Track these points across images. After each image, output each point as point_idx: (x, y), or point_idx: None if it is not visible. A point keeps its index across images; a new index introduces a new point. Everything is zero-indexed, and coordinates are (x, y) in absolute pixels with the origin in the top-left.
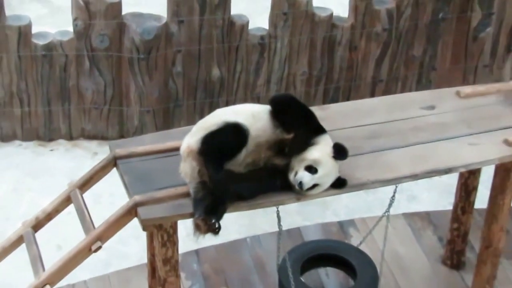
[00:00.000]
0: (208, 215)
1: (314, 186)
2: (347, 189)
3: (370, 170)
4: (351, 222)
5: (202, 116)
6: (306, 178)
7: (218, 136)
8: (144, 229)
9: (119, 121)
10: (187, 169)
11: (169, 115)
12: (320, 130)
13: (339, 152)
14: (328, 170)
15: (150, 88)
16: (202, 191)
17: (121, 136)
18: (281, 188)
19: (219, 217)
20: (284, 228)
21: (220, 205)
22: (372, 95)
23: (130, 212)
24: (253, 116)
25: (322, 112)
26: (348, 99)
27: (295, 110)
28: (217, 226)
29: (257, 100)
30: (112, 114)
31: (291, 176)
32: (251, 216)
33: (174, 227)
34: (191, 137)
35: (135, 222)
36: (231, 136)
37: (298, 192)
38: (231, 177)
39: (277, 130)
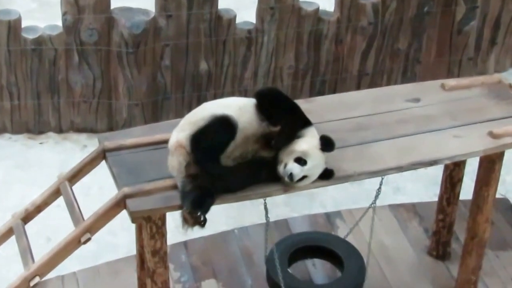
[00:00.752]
0: (194, 209)
1: (303, 177)
2: (334, 180)
3: (356, 162)
4: (338, 214)
5: (190, 109)
6: (296, 169)
7: (208, 131)
8: (133, 221)
9: (108, 114)
10: (175, 164)
11: (158, 108)
12: (306, 123)
13: (326, 144)
14: (317, 161)
15: (138, 81)
16: (189, 185)
17: (110, 129)
18: (267, 179)
19: (205, 210)
20: (272, 219)
21: (207, 198)
22: (358, 88)
23: (119, 204)
24: (240, 109)
25: (308, 105)
26: (334, 92)
27: (280, 103)
28: (202, 219)
29: (245, 93)
30: (101, 107)
31: (280, 168)
32: (239, 208)
33: (163, 219)
34: (179, 132)
35: (124, 214)
36: (221, 130)
37: (288, 183)
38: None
39: (263, 123)
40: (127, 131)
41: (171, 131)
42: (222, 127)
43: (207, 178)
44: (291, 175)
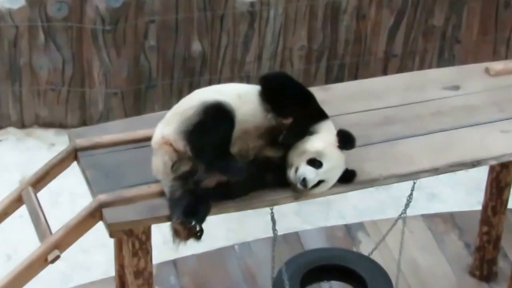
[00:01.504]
0: (188, 217)
1: (319, 182)
2: (355, 185)
3: (382, 163)
4: (360, 226)
5: (180, 99)
6: (310, 173)
7: (204, 124)
8: (111, 236)
9: (81, 105)
10: (159, 164)
11: (141, 98)
12: (321, 116)
13: (345, 141)
14: (334, 162)
15: (117, 65)
16: (179, 190)
17: (83, 123)
18: (274, 184)
19: (200, 219)
20: (280, 233)
21: (202, 205)
22: (385, 73)
23: (93, 215)
24: (239, 97)
25: (324, 94)
26: (355, 78)
27: (289, 91)
28: (198, 229)
29: (246, 79)
30: (72, 97)
31: (291, 173)
32: (240, 219)
33: (147, 233)
34: (165, 126)
35: (100, 227)
36: (218, 117)
37: (301, 191)
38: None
39: (269, 115)
40: (103, 126)
41: (156, 125)
42: (217, 114)
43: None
44: (304, 181)
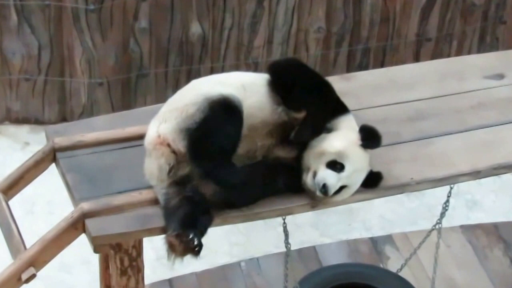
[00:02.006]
0: (185, 230)
1: (341, 188)
2: (382, 191)
3: (414, 165)
4: (388, 239)
5: (176, 90)
6: (331, 178)
7: (208, 127)
8: (95, 251)
9: (60, 97)
10: (154, 168)
11: (131, 89)
12: (341, 109)
13: (369, 138)
14: (358, 164)
15: (103, 51)
16: (175, 198)
17: (63, 119)
18: (287, 190)
19: (200, 231)
20: (294, 247)
21: (202, 215)
22: (417, 59)
23: (75, 226)
24: (244, 88)
25: (344, 84)
26: (382, 66)
27: (303, 80)
28: (196, 243)
29: (255, 67)
30: (50, 88)
31: (308, 178)
32: (247, 231)
33: (139, 248)
34: (161, 123)
35: (83, 240)
36: (225, 118)
37: (320, 198)
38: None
39: (279, 108)
40: (87, 122)
41: (149, 121)
42: (225, 112)
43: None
44: (325, 187)
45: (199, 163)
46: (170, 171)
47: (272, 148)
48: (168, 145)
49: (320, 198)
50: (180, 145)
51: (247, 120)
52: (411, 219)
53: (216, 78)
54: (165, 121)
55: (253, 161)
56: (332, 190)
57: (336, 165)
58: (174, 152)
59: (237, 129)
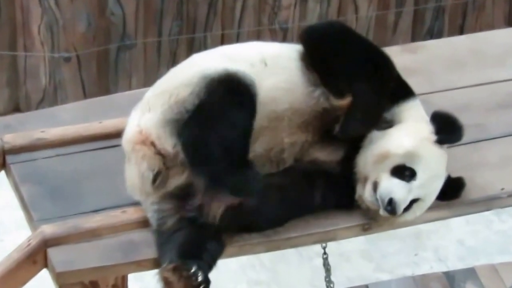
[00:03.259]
0: (185, 260)
1: (412, 202)
2: (463, 208)
3: (506, 171)
4: (471, 273)
5: (172, 66)
6: (400, 190)
7: (204, 113)
8: None
9: (11, 79)
10: (134, 177)
11: (109, 67)
12: (404, 93)
13: (446, 129)
14: (434, 168)
15: (70, 13)
16: (171, 217)
17: (15, 108)
18: (327, 207)
19: (206, 263)
20: (338, 286)
21: (208, 241)
22: (509, 22)
23: (33, 259)
24: (264, 63)
25: (409, 57)
26: (461, 31)
27: (350, 52)
28: (200, 279)
29: (283, 35)
30: None
31: (366, 192)
32: (273, 265)
33: (122, 287)
34: (143, 113)
35: (44, 277)
36: (227, 102)
37: (382, 218)
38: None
39: (317, 91)
40: (49, 113)
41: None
42: (229, 94)
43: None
44: (391, 203)
45: (198, 169)
46: (155, 179)
47: (308, 148)
48: (152, 144)
49: (383, 218)
50: (167, 144)
51: (268, 106)
52: (502, 245)
53: (226, 51)
54: (149, 110)
55: (280, 166)
56: (402, 206)
57: (404, 172)
58: (160, 153)
59: (246, 117)
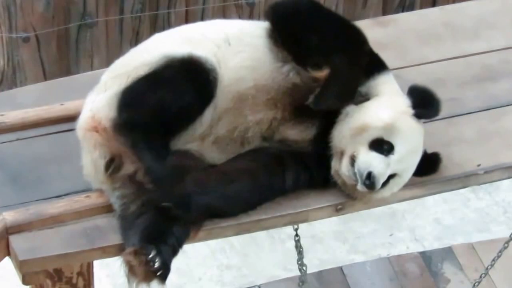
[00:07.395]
0: (146, 247)
1: (389, 178)
2: (439, 185)
3: (482, 147)
4: (447, 253)
5: (135, 44)
6: (379, 164)
7: (150, 87)
8: (24, 282)
9: None
10: (88, 162)
11: (70, 46)
12: (377, 67)
13: (424, 103)
14: (412, 142)
15: None
16: (134, 202)
17: None
18: (299, 187)
19: (170, 247)
20: (311, 269)
21: (171, 226)
22: None
23: None
24: (228, 42)
25: (381, 31)
26: (433, 4)
27: (320, 25)
28: (157, 264)
29: (249, 11)
30: None
31: (343, 166)
32: (245, 249)
33: (87, 276)
34: (98, 94)
35: (6, 265)
36: (178, 83)
37: (361, 194)
38: (189, 170)
39: (285, 67)
40: (7, 96)
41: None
42: (185, 73)
43: (154, 183)
44: (370, 177)
45: (121, 132)
46: (108, 167)
47: (277, 126)
48: (105, 130)
49: (360, 194)
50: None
51: (232, 87)
52: (480, 224)
53: (188, 30)
54: (104, 91)
55: (246, 146)
56: (381, 181)
57: (383, 146)
58: (109, 137)
59: (193, 98)
